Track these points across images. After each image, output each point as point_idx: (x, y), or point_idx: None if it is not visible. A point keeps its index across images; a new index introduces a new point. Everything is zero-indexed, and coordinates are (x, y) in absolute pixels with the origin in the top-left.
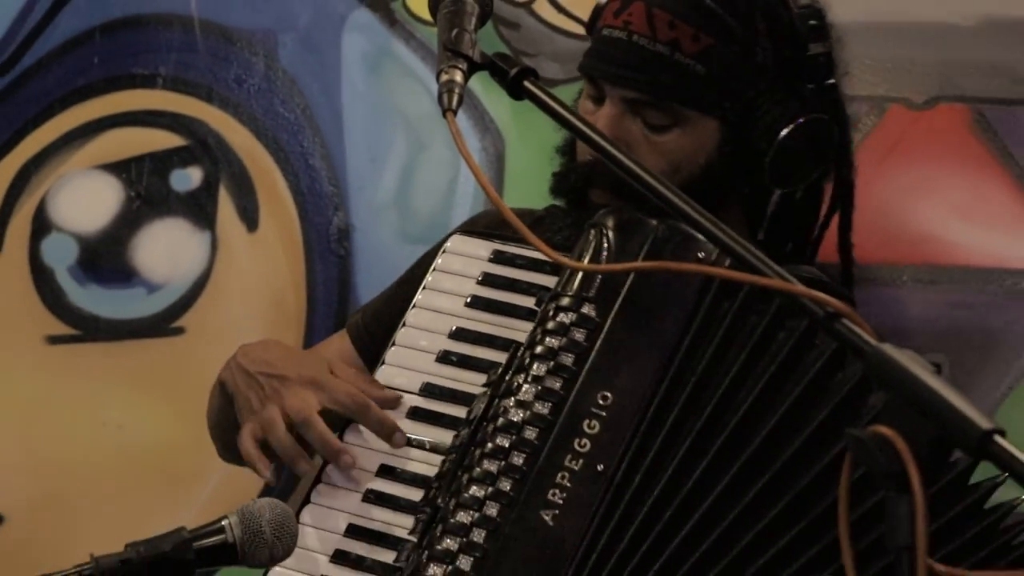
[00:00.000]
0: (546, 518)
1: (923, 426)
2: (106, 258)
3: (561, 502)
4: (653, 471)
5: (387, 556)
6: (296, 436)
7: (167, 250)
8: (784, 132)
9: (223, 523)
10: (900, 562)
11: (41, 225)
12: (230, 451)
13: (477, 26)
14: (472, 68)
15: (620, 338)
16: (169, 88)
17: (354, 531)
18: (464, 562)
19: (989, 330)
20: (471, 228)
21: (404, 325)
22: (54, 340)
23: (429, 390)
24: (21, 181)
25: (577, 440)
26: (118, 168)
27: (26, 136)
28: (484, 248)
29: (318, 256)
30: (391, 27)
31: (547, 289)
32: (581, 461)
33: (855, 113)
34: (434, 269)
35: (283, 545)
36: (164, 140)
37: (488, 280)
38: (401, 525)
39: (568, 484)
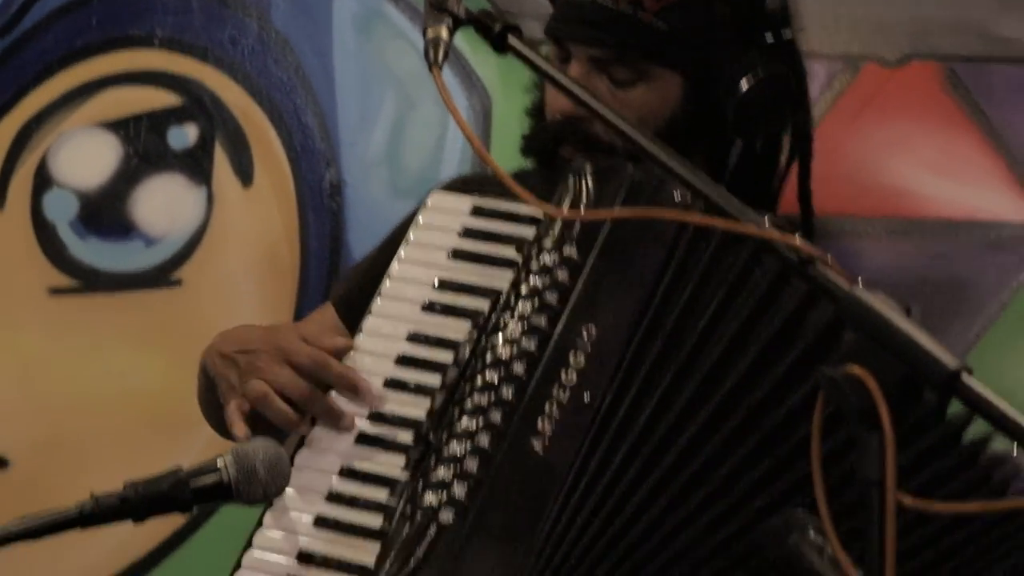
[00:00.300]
0: (536, 446)
1: (893, 366)
2: (106, 213)
3: (550, 431)
4: (638, 401)
5: (381, 494)
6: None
7: (164, 205)
8: (745, 84)
9: (218, 463)
10: (870, 496)
11: (42, 181)
12: (223, 430)
13: None
14: (457, 24)
15: (602, 276)
16: (165, 48)
17: (348, 473)
18: (458, 489)
19: (959, 279)
20: (455, 183)
21: (389, 278)
22: (56, 292)
23: (415, 337)
24: (22, 139)
25: (564, 372)
26: (116, 126)
27: (27, 95)
28: (464, 203)
29: (311, 211)
30: None
31: (527, 240)
32: (568, 392)
33: (830, 71)
34: (415, 225)
35: (276, 483)
36: (161, 99)
37: (469, 233)
38: (394, 464)
39: (556, 414)
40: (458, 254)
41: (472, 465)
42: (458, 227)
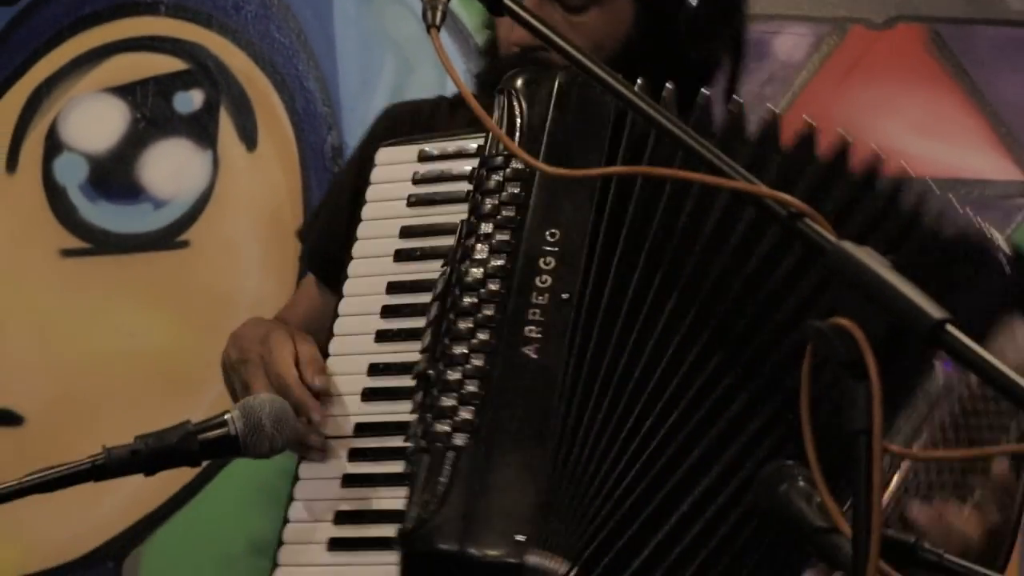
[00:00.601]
0: (529, 353)
1: (879, 317)
2: (115, 176)
3: (539, 335)
4: (614, 291)
5: (397, 441)
6: None
7: (172, 168)
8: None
9: (226, 417)
10: (857, 444)
11: (53, 145)
12: None
13: None
14: None
15: (552, 181)
16: (171, 15)
17: (361, 428)
18: (464, 412)
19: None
20: (398, 131)
21: (356, 239)
22: (67, 253)
23: (393, 287)
24: (33, 105)
25: (538, 278)
26: (124, 91)
27: (37, 62)
28: (410, 152)
29: (313, 173)
30: None
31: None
32: (546, 295)
33: (818, 34)
34: (370, 183)
35: (282, 436)
36: (167, 64)
37: (421, 179)
38: (403, 409)
39: (540, 318)
40: (414, 200)
41: (473, 386)
42: (409, 176)
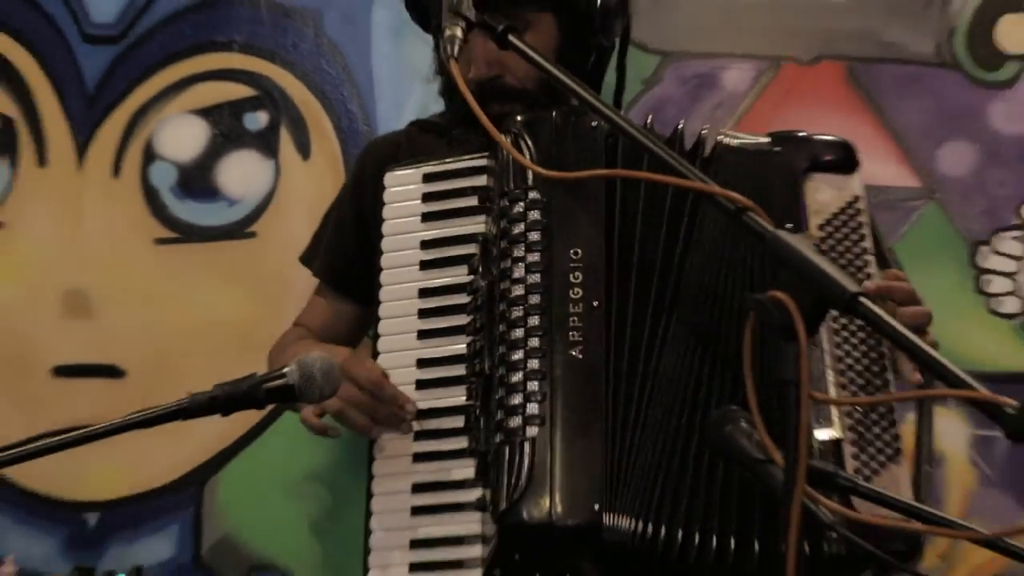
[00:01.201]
0: (575, 354)
1: (807, 290)
2: (197, 180)
3: (580, 339)
4: (631, 294)
5: (458, 422)
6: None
7: (242, 174)
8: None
9: (285, 370)
10: (788, 392)
11: (149, 155)
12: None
13: None
14: (469, 26)
15: (566, 206)
16: (242, 52)
17: (424, 413)
18: (532, 408)
19: None
20: (383, 164)
21: (382, 253)
22: (160, 242)
23: (424, 293)
24: (133, 123)
25: (571, 290)
26: (204, 113)
27: (136, 89)
28: (416, 174)
29: None
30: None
31: (480, 187)
32: (580, 305)
33: (759, 69)
34: (384, 204)
35: (330, 387)
36: (238, 91)
37: (430, 197)
38: (452, 396)
39: (579, 323)
40: (428, 216)
41: (534, 385)
42: (419, 196)
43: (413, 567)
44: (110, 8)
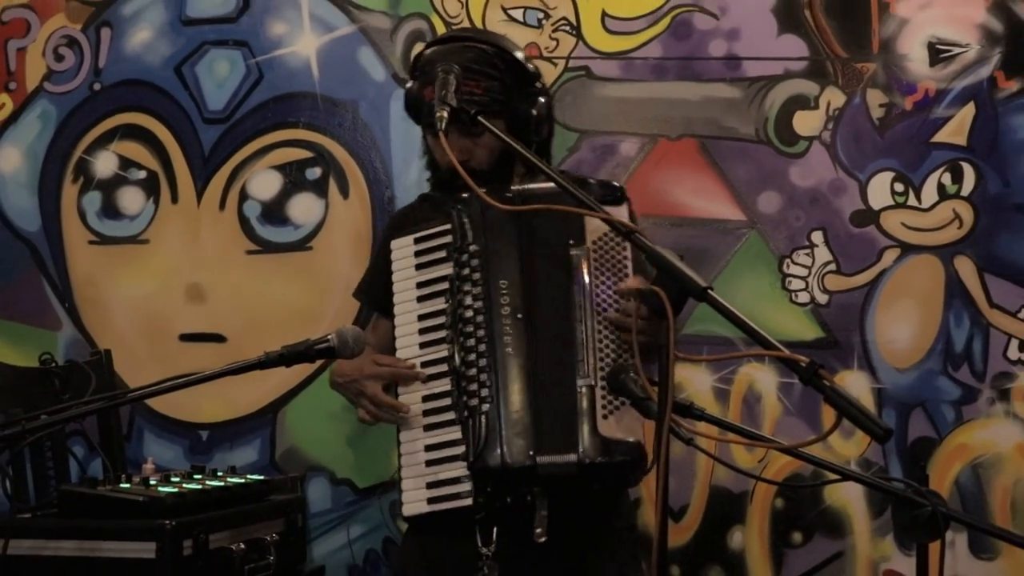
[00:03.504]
0: (508, 351)
1: (674, 285)
2: (274, 212)
3: (510, 340)
4: (543, 306)
5: (448, 400)
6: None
7: (304, 208)
8: (535, 110)
9: (328, 337)
10: (661, 354)
11: (243, 196)
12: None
13: (456, 86)
14: (452, 111)
15: (494, 253)
16: (306, 128)
17: (424, 398)
18: (483, 391)
19: (705, 247)
20: (399, 230)
21: (395, 292)
22: (250, 253)
23: (421, 317)
24: (234, 175)
25: (502, 308)
26: (280, 168)
27: (236, 153)
28: (409, 240)
29: (378, 212)
30: None
31: (446, 244)
32: (509, 318)
33: (643, 142)
34: (392, 260)
35: (359, 348)
36: (302, 154)
37: (419, 253)
38: (445, 383)
39: (509, 330)
40: (419, 266)
41: (484, 375)
42: (412, 253)
43: (433, 500)
44: (220, 100)
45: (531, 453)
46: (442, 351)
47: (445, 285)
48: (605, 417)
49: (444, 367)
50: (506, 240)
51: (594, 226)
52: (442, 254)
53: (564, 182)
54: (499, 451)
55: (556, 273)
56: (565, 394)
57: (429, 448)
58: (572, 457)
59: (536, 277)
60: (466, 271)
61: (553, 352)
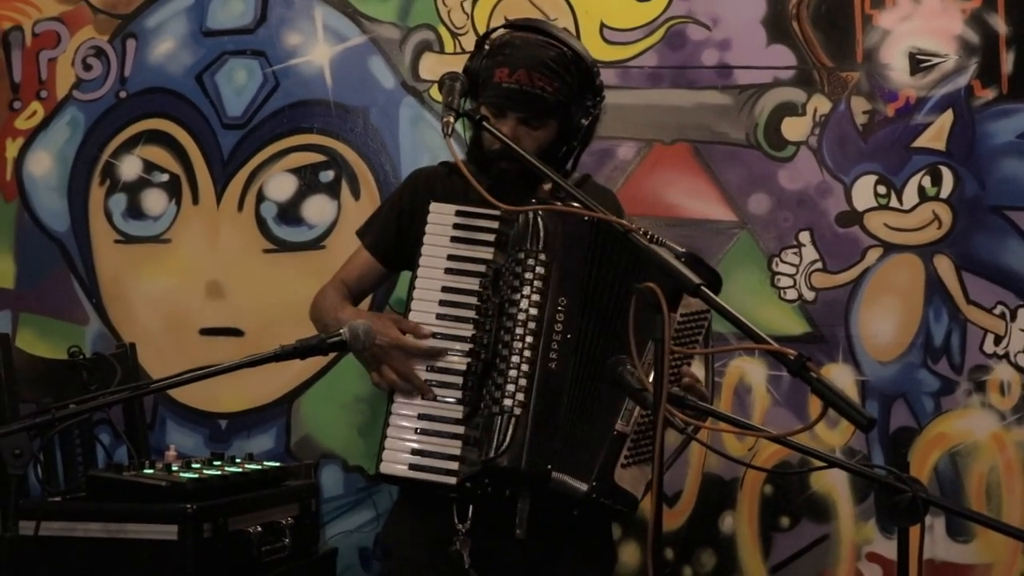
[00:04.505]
0: (552, 366)
1: (668, 282)
2: (290, 213)
3: (555, 357)
4: (594, 334)
5: (458, 379)
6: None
7: (317, 209)
8: (585, 121)
9: (341, 331)
10: (656, 346)
11: (260, 198)
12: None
13: (462, 93)
14: (458, 116)
15: (559, 268)
16: (319, 133)
17: (432, 370)
18: (520, 395)
19: (699, 247)
20: (430, 192)
21: (420, 255)
22: (267, 251)
23: (445, 289)
24: (251, 178)
25: (556, 326)
26: (295, 171)
27: (253, 157)
28: (451, 209)
29: None
30: (422, 104)
31: (495, 229)
32: (559, 335)
33: (639, 146)
34: (428, 223)
35: (369, 341)
36: (316, 158)
37: (457, 227)
38: (460, 361)
39: (557, 347)
40: (455, 240)
41: (524, 380)
42: (451, 224)
43: (414, 467)
44: (238, 107)
45: (549, 467)
46: (462, 330)
47: (482, 268)
48: (624, 466)
49: (460, 345)
50: (580, 258)
51: (688, 301)
52: (488, 238)
53: (581, 196)
54: (522, 455)
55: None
56: (599, 428)
57: (423, 417)
58: (583, 486)
59: (607, 311)
60: (528, 274)
61: (597, 383)
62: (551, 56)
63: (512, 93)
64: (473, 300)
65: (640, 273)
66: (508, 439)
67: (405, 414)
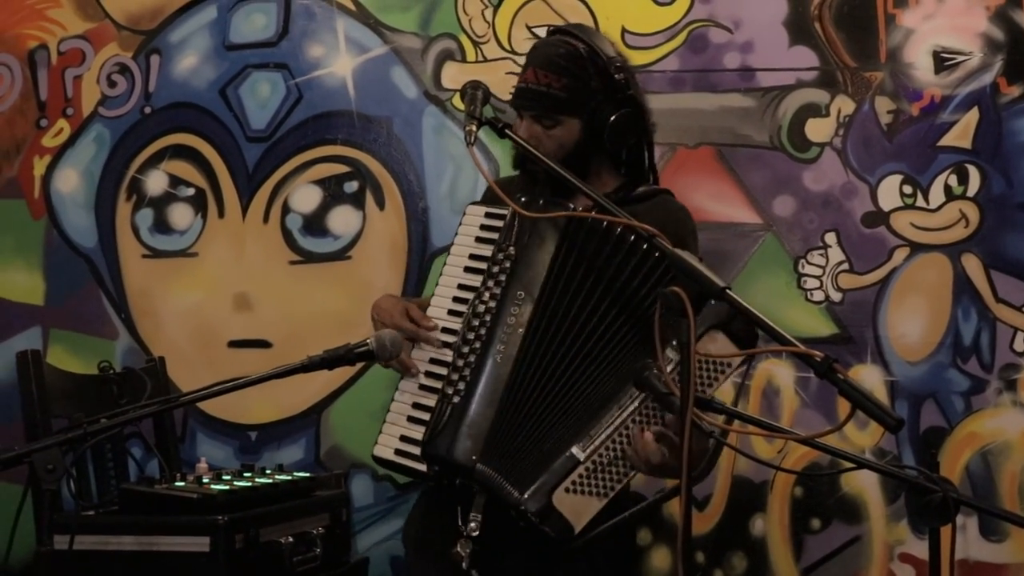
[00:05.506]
0: (498, 359)
1: (693, 285)
2: (315, 224)
3: (502, 348)
4: (552, 322)
5: (444, 369)
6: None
7: (343, 220)
8: (612, 119)
9: (368, 341)
10: (683, 350)
11: (286, 209)
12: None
13: (483, 101)
14: (480, 124)
15: (525, 262)
16: (343, 144)
17: (432, 361)
18: (460, 384)
19: (725, 249)
20: (480, 201)
21: (450, 254)
22: (292, 263)
23: (460, 287)
24: (276, 190)
25: (509, 316)
26: (320, 182)
27: (278, 169)
28: (482, 210)
29: (412, 221)
30: (445, 113)
31: (496, 227)
32: (511, 327)
33: (663, 151)
34: (460, 225)
35: (395, 351)
36: (340, 169)
37: (483, 227)
38: (447, 352)
39: (506, 339)
40: (478, 240)
41: (467, 371)
42: (479, 224)
43: (398, 452)
44: (262, 120)
45: (473, 457)
46: (458, 324)
47: (484, 265)
48: (567, 490)
49: (453, 338)
50: (546, 252)
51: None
52: (494, 236)
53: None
54: (448, 442)
55: (623, 331)
56: (552, 444)
57: (416, 406)
58: (515, 493)
59: (571, 306)
60: (495, 267)
61: (558, 383)
62: (560, 53)
63: (521, 92)
64: (472, 296)
65: (616, 266)
66: (442, 426)
67: (403, 402)
